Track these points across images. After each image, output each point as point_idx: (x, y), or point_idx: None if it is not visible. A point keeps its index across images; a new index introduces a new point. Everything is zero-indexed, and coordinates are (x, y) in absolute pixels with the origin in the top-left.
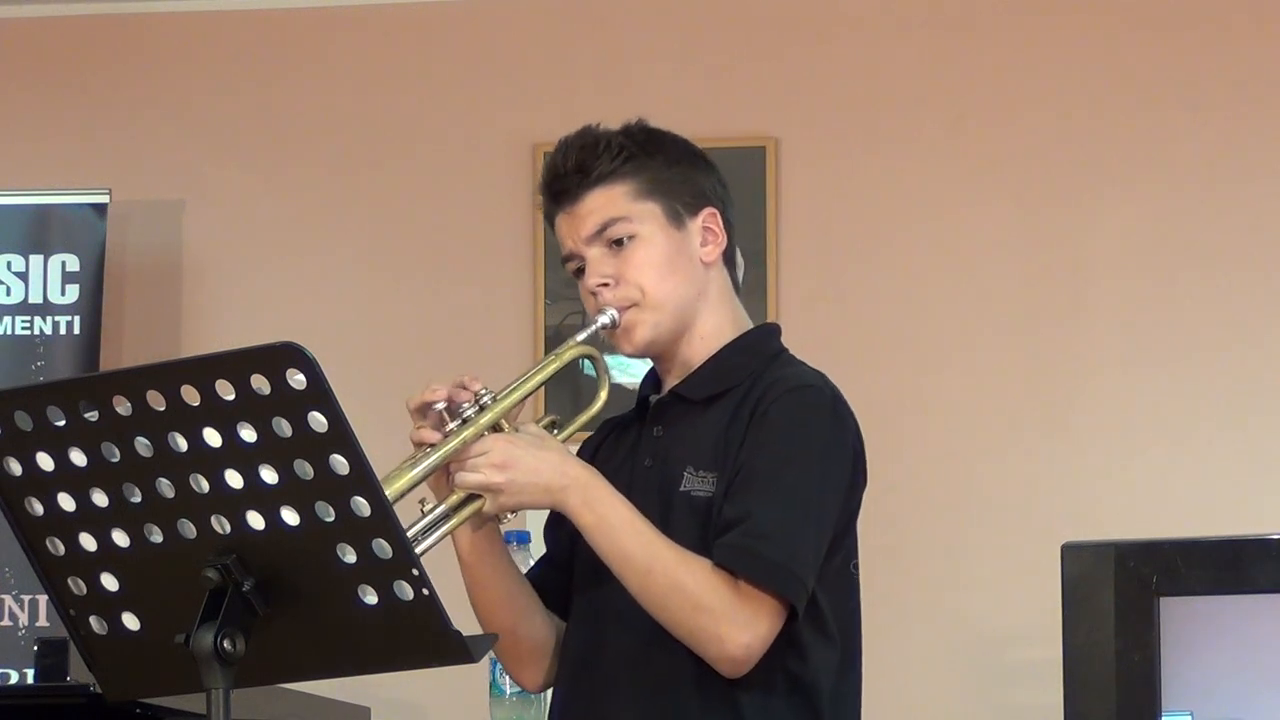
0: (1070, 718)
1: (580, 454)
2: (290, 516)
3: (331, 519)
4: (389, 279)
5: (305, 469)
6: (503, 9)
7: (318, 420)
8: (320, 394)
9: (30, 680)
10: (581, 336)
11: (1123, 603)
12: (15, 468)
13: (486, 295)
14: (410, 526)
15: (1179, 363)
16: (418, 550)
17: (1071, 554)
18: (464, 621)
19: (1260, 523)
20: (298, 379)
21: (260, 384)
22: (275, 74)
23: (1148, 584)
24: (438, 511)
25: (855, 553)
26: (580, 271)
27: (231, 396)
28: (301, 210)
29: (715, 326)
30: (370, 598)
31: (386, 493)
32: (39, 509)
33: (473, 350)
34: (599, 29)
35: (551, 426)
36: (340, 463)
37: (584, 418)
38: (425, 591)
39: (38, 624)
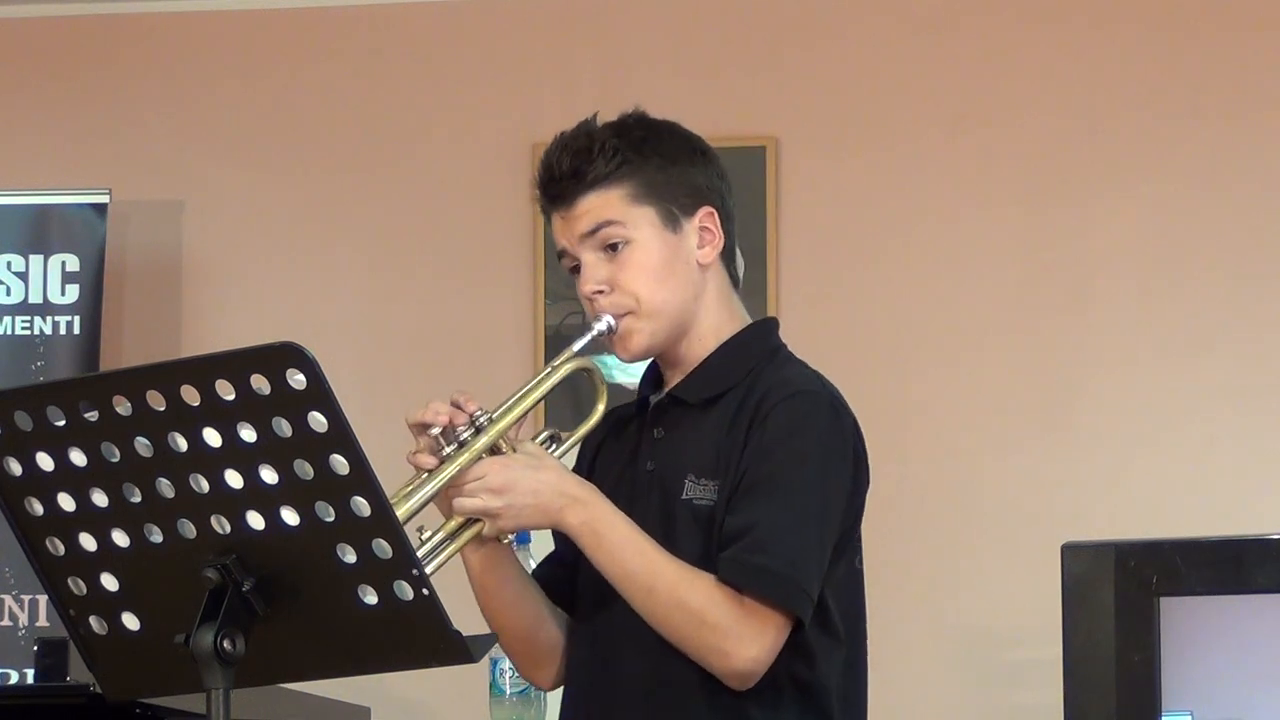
0: (1070, 718)
1: (583, 451)
2: (290, 516)
3: (331, 519)
4: (389, 279)
5: (305, 469)
6: (502, 9)
7: (318, 420)
8: (320, 394)
9: (30, 680)
10: (577, 346)
11: (1123, 603)
12: (15, 468)
13: (486, 295)
14: None
15: (1179, 363)
16: None
17: (1071, 554)
18: (464, 621)
19: (1260, 523)
20: (298, 379)
21: (260, 384)
22: (275, 74)
23: (1148, 584)
24: (437, 538)
25: (860, 549)
26: (576, 270)
27: (231, 396)
28: (301, 210)
29: (713, 326)
30: (370, 598)
31: None
32: (39, 509)
33: (473, 350)
34: (599, 29)
35: (550, 441)
36: (340, 463)
37: (581, 431)
38: (425, 591)
39: (38, 624)
